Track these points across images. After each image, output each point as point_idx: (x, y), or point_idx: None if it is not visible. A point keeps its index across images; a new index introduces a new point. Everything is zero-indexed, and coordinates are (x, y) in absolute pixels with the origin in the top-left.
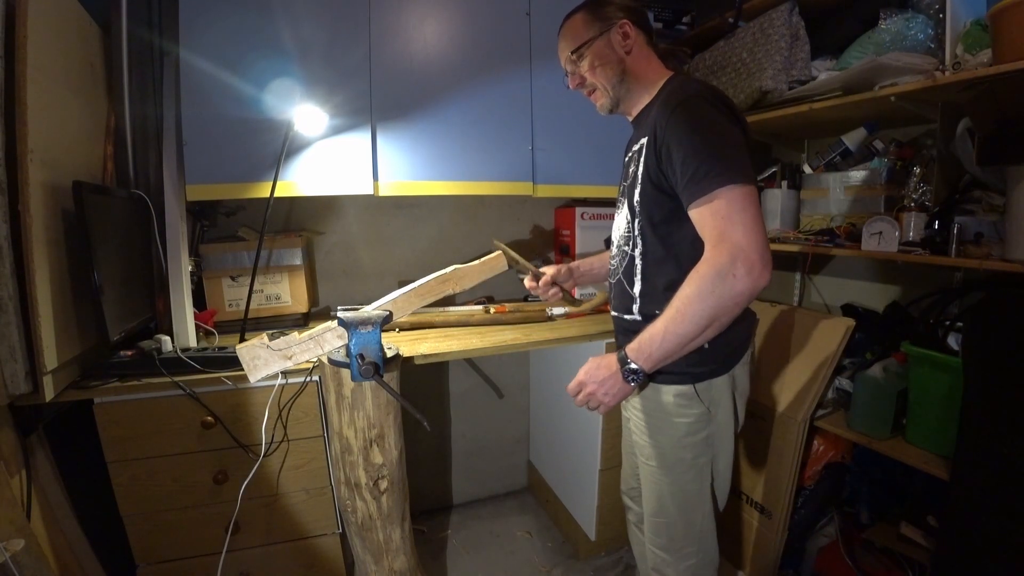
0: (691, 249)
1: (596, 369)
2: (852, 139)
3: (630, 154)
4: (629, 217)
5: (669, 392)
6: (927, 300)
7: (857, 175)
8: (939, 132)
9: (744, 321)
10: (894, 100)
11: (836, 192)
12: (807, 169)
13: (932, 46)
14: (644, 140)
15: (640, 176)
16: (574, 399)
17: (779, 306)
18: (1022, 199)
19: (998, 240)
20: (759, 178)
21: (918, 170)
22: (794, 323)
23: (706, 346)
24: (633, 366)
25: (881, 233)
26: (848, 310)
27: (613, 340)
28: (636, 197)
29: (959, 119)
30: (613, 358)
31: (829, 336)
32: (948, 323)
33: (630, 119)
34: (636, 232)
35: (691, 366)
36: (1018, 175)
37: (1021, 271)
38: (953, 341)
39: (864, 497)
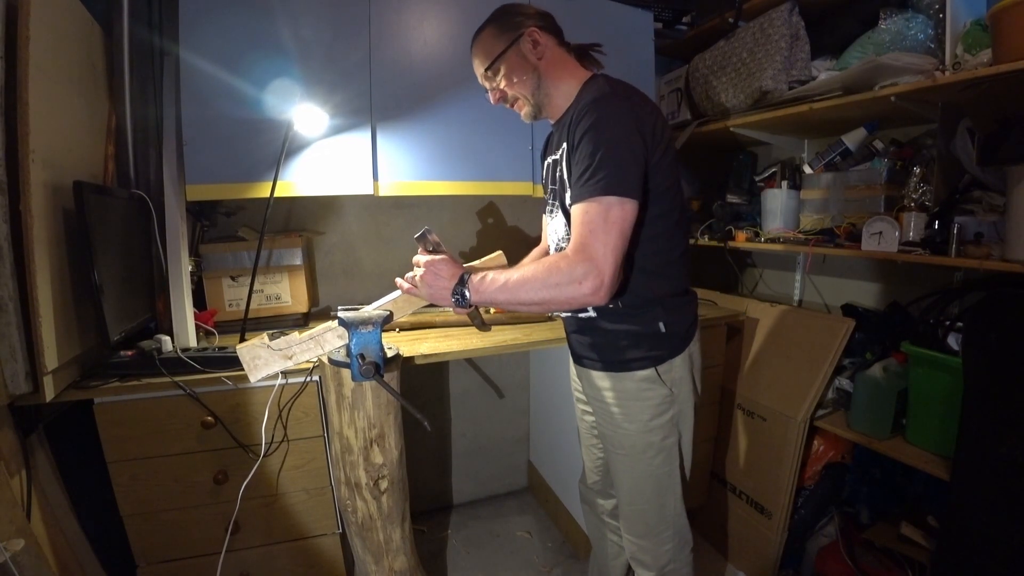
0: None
1: (443, 268)
2: (852, 139)
3: (554, 157)
4: (565, 220)
5: (633, 378)
6: (927, 300)
7: (857, 175)
8: (939, 132)
9: (691, 303)
10: (894, 100)
11: (836, 192)
12: (807, 169)
13: (932, 46)
14: (565, 145)
15: (567, 180)
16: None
17: (779, 306)
18: (1022, 199)
19: (998, 240)
20: (759, 178)
21: (918, 170)
22: (794, 323)
23: (663, 330)
24: (466, 292)
25: (881, 233)
26: (848, 310)
27: None
28: (567, 200)
29: (959, 119)
30: (459, 273)
31: (829, 336)
32: (948, 323)
33: (552, 123)
34: None
35: (652, 350)
36: (1018, 175)
37: (1021, 271)
38: (953, 341)
39: (864, 497)
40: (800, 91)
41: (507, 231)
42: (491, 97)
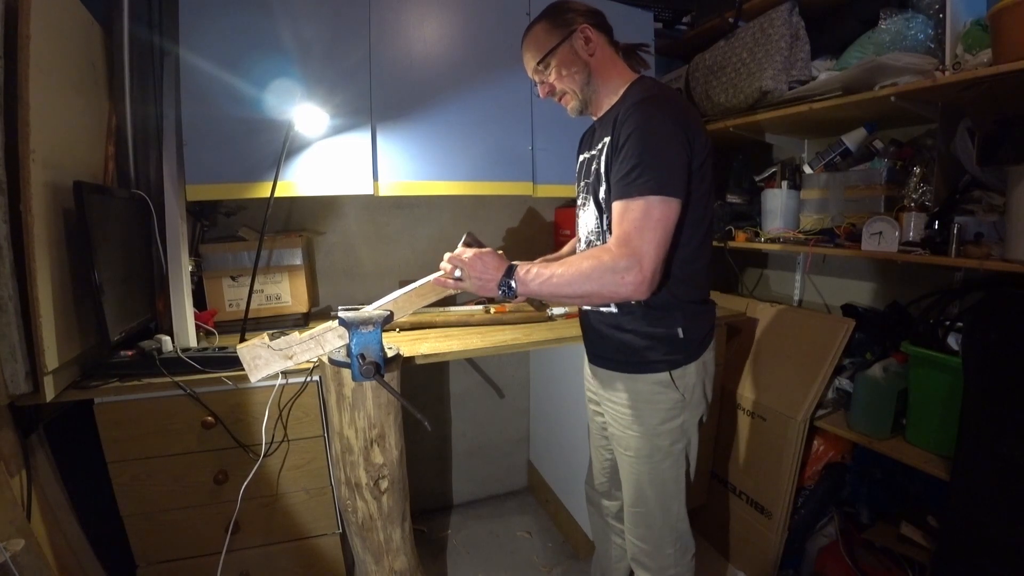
0: None
1: (490, 261)
2: (852, 139)
3: (592, 152)
4: (597, 213)
5: (647, 380)
6: (927, 300)
7: (857, 175)
8: (939, 132)
9: (709, 311)
10: (894, 100)
11: (836, 192)
12: (807, 169)
13: (932, 46)
14: (607, 139)
15: (603, 174)
16: (450, 260)
17: (779, 306)
18: (1022, 199)
19: (998, 240)
20: (759, 178)
21: (918, 170)
22: (794, 323)
23: (681, 335)
24: (512, 283)
25: (881, 233)
26: (848, 310)
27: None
28: (601, 194)
29: (959, 119)
30: (505, 265)
31: (829, 336)
32: (948, 323)
33: (595, 119)
34: (605, 227)
35: (667, 355)
36: (1018, 175)
37: (1021, 271)
38: (953, 341)
39: (864, 497)
40: (800, 91)
41: (508, 231)
42: (540, 91)
